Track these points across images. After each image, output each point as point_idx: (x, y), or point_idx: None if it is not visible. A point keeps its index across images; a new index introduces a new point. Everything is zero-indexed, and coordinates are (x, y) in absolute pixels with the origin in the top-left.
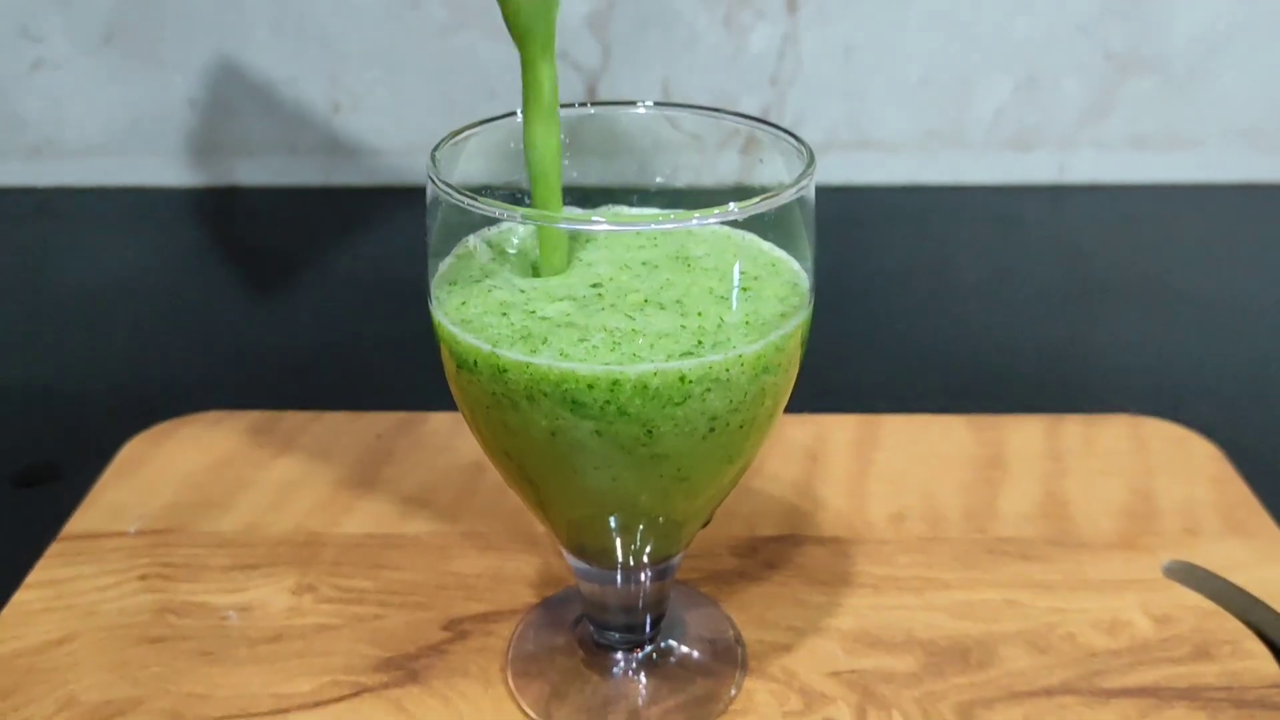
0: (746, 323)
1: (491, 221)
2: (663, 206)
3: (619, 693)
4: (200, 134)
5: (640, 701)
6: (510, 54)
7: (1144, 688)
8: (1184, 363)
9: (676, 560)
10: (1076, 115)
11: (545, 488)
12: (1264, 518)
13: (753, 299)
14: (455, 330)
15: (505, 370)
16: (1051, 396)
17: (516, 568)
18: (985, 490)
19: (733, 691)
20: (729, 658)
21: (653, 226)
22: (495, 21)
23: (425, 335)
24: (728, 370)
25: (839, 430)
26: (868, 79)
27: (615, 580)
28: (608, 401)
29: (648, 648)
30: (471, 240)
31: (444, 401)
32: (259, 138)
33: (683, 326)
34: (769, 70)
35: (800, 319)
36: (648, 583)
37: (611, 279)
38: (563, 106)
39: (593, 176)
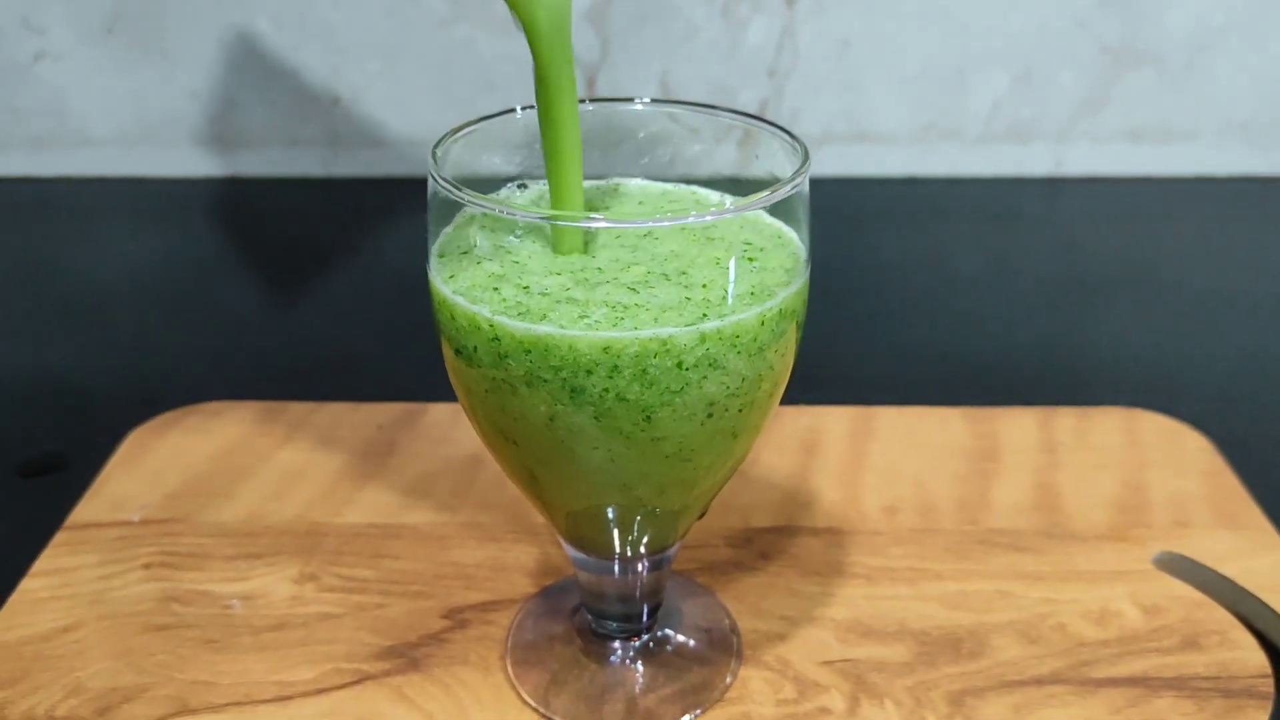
0: (752, 294)
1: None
2: (663, 180)
3: (616, 681)
4: (201, 125)
5: (637, 689)
6: (510, 46)
7: (1133, 677)
8: (1177, 356)
9: (673, 551)
10: (1072, 108)
11: (545, 476)
12: (1254, 510)
13: (759, 270)
14: (459, 300)
15: (499, 339)
16: (1045, 389)
17: (515, 557)
18: (978, 482)
19: (728, 680)
20: (724, 647)
21: (649, 224)
22: (495, 14)
23: (426, 326)
24: (737, 337)
25: (833, 422)
26: (865, 72)
27: (613, 570)
28: (609, 378)
29: (645, 637)
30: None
31: (444, 393)
32: (260, 129)
33: (687, 299)
34: (766, 63)
35: (799, 283)
36: (645, 573)
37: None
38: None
39: (591, 167)
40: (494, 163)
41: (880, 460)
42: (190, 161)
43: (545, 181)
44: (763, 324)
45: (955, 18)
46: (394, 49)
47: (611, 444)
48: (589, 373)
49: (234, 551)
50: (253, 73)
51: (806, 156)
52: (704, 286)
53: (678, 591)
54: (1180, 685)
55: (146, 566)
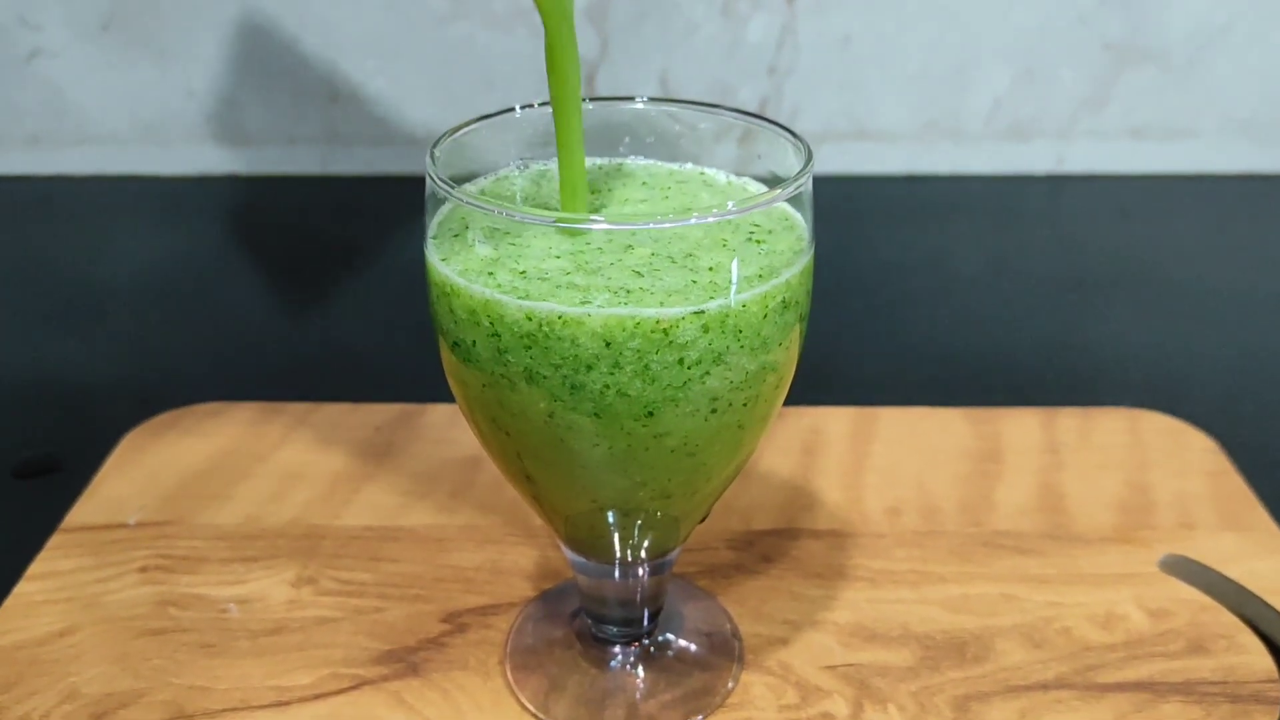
0: (759, 276)
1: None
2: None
3: (617, 686)
4: (199, 123)
5: (638, 695)
6: (509, 43)
7: (1139, 682)
8: (1181, 355)
9: (674, 555)
10: (1074, 106)
11: (544, 477)
12: (1259, 511)
13: (767, 254)
14: (459, 281)
15: (499, 335)
16: (1048, 389)
17: (514, 560)
18: (981, 483)
19: (730, 685)
20: (726, 651)
21: (651, 225)
22: (493, 11)
23: (424, 326)
24: (740, 331)
25: (835, 423)
26: (865, 69)
27: (613, 575)
28: (614, 366)
29: (645, 641)
30: (469, 187)
31: (443, 393)
32: (257, 127)
33: (694, 281)
34: (767, 60)
35: (805, 260)
36: (645, 577)
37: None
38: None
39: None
40: (494, 162)
41: (882, 461)
42: (188, 159)
43: (544, 161)
44: (768, 309)
45: (956, 15)
46: (392, 46)
47: (613, 438)
48: (590, 368)
49: (231, 554)
50: (251, 70)
51: (810, 157)
52: (710, 270)
53: (678, 595)
54: (1187, 690)
55: (143, 570)
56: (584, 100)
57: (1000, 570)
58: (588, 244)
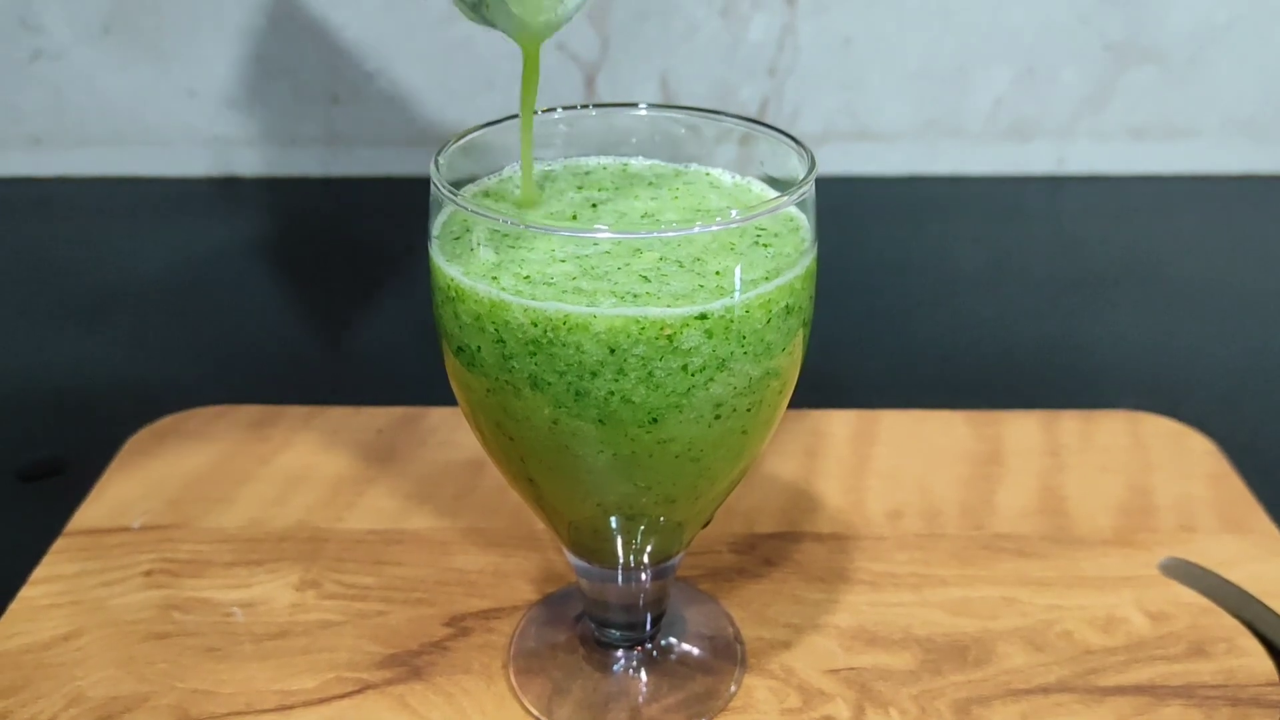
0: (766, 278)
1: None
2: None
3: (620, 689)
4: (199, 125)
5: (641, 698)
6: (509, 45)
7: (1140, 685)
8: (1182, 357)
9: (677, 559)
10: (1075, 106)
11: (547, 482)
12: (1260, 515)
13: (774, 256)
14: (464, 281)
15: (503, 340)
16: (1050, 391)
17: (517, 564)
18: (983, 486)
19: (732, 688)
20: (728, 655)
21: (654, 234)
22: None
23: (426, 327)
24: (744, 337)
25: (837, 425)
26: (866, 69)
27: (616, 579)
28: (619, 369)
29: (648, 645)
30: (471, 189)
31: (445, 396)
32: (258, 128)
33: (700, 286)
34: (767, 61)
35: (808, 260)
36: (648, 581)
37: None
38: (564, 108)
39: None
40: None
41: (884, 464)
42: (188, 161)
43: (549, 161)
44: (771, 314)
45: (957, 14)
46: (392, 48)
47: (617, 444)
48: (594, 374)
49: (235, 558)
50: (251, 72)
51: (813, 164)
52: (718, 274)
53: (681, 599)
54: (1188, 694)
55: (147, 574)
56: (587, 106)
57: (1001, 573)
58: (595, 247)
